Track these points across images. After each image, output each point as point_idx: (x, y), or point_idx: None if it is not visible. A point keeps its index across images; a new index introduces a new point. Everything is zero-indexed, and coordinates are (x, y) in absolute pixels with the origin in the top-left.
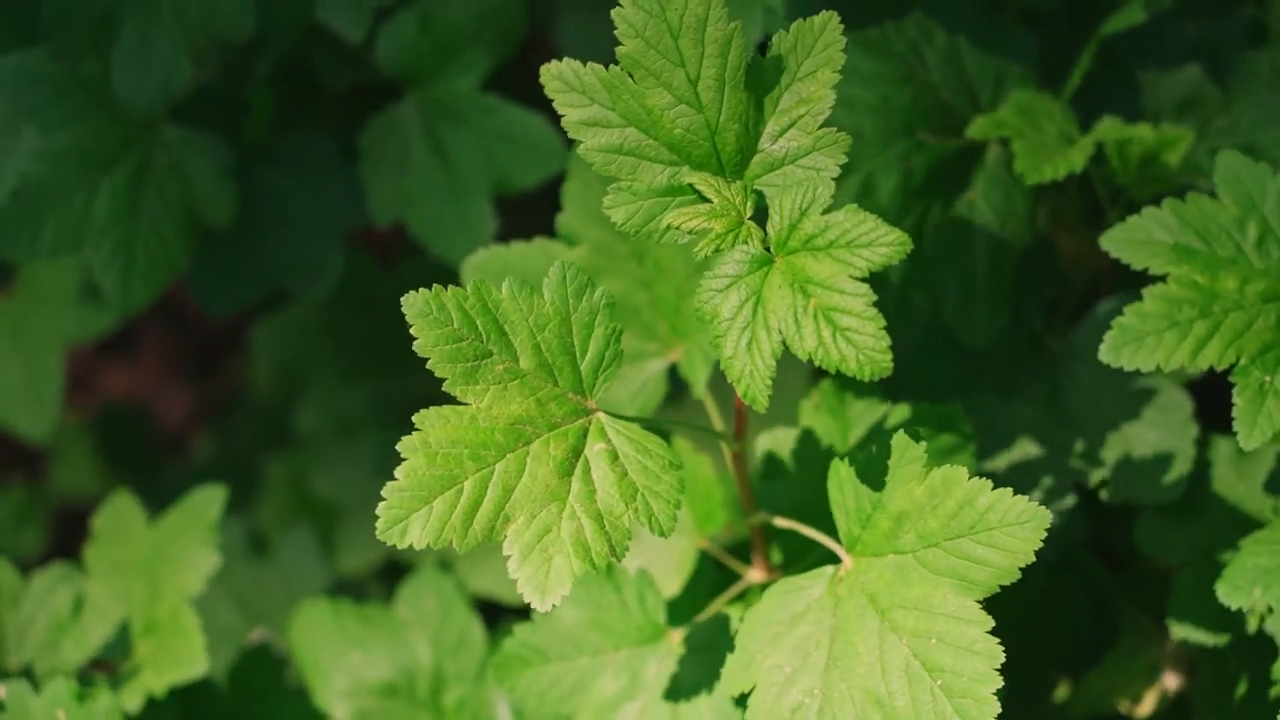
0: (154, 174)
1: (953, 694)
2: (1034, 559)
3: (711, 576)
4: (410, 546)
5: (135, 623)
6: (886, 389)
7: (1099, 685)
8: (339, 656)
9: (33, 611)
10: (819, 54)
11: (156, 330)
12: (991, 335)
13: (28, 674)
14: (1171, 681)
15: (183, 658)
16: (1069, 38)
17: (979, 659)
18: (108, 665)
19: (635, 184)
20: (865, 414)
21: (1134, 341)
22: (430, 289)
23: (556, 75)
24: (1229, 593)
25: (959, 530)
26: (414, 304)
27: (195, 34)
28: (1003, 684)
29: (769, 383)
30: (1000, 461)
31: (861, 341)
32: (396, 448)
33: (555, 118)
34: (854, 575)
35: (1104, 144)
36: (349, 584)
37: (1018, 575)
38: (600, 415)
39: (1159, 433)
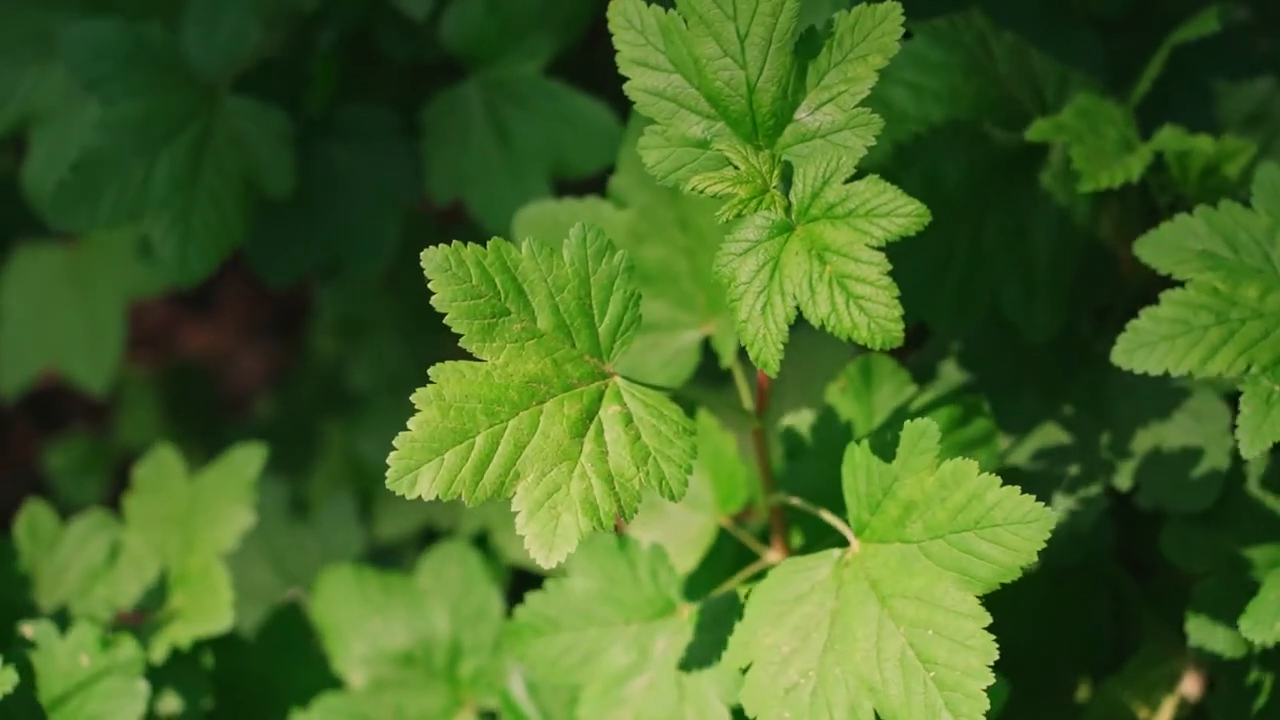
0: (214, 145)
1: (944, 687)
2: (1036, 559)
3: (733, 555)
4: (419, 498)
5: (168, 574)
6: (925, 379)
7: (1117, 692)
8: (359, 623)
9: (69, 557)
10: (875, 39)
11: (237, 290)
12: (1051, 331)
13: (59, 617)
14: (1190, 692)
15: (210, 611)
16: (1139, 44)
17: (974, 654)
18: (138, 615)
19: (670, 130)
20: (890, 399)
21: (1146, 345)
22: (450, 244)
23: (621, 12)
24: (1251, 627)
25: (965, 524)
26: (433, 259)
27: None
28: (994, 681)
29: (780, 347)
30: (1035, 460)
31: (874, 310)
32: (411, 399)
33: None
34: (860, 560)
35: (1164, 153)
36: (386, 550)
37: (1019, 574)
38: (617, 379)
39: (1194, 441)
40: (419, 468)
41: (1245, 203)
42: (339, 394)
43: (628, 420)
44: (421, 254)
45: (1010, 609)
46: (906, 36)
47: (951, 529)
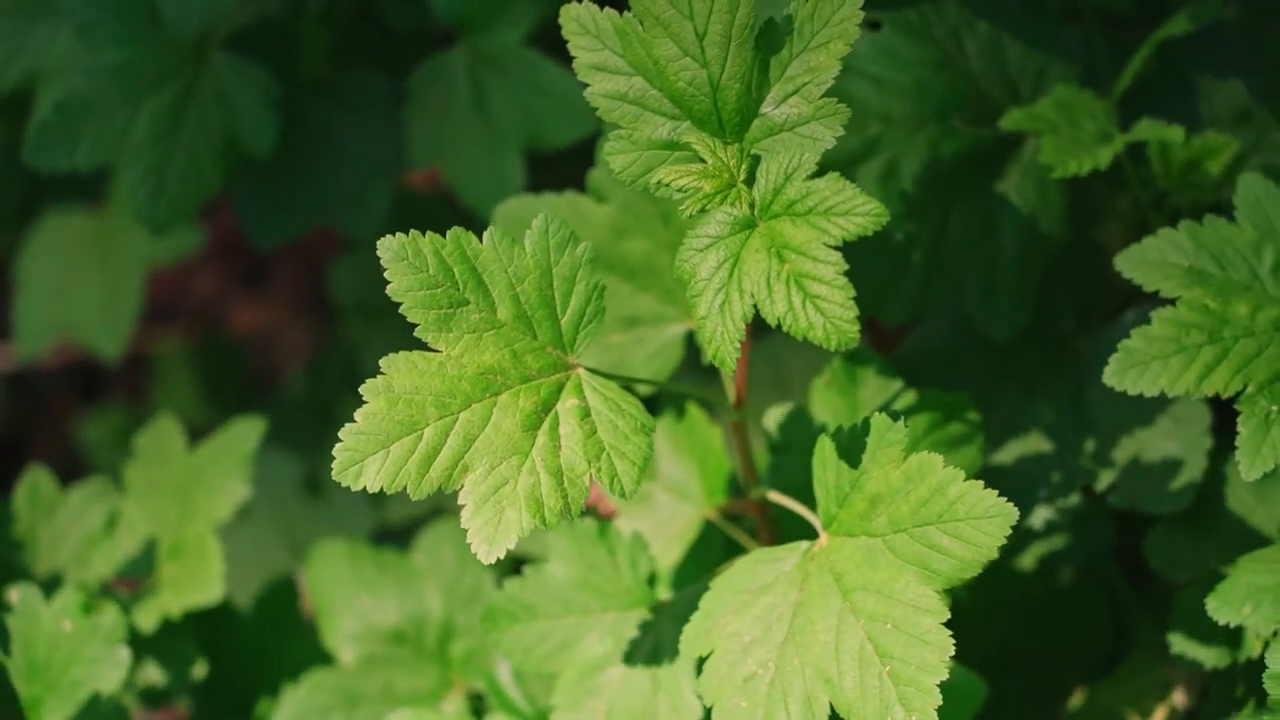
0: (198, 99)
1: (899, 681)
2: (997, 555)
3: (721, 548)
4: (364, 489)
5: (163, 544)
6: (907, 375)
7: (1109, 697)
8: (351, 599)
9: (67, 524)
10: (834, 25)
11: (290, 268)
12: (1013, 330)
13: (47, 583)
14: (1182, 700)
15: (201, 582)
16: (1141, 41)
17: (929, 649)
18: (135, 583)
19: (636, 134)
20: (875, 395)
21: (1139, 365)
22: (408, 234)
23: (574, 17)
24: (1218, 608)
25: (927, 518)
26: (389, 248)
27: None
28: (947, 676)
29: (738, 346)
30: (1013, 458)
31: (830, 310)
32: (360, 390)
33: None
34: (826, 553)
35: (1147, 148)
36: (395, 531)
37: (978, 571)
38: (580, 371)
39: (1173, 443)
40: (364, 459)
41: (1228, 202)
42: (359, 376)
43: (584, 414)
44: (378, 242)
45: (1009, 611)
46: (876, 27)
47: (914, 522)
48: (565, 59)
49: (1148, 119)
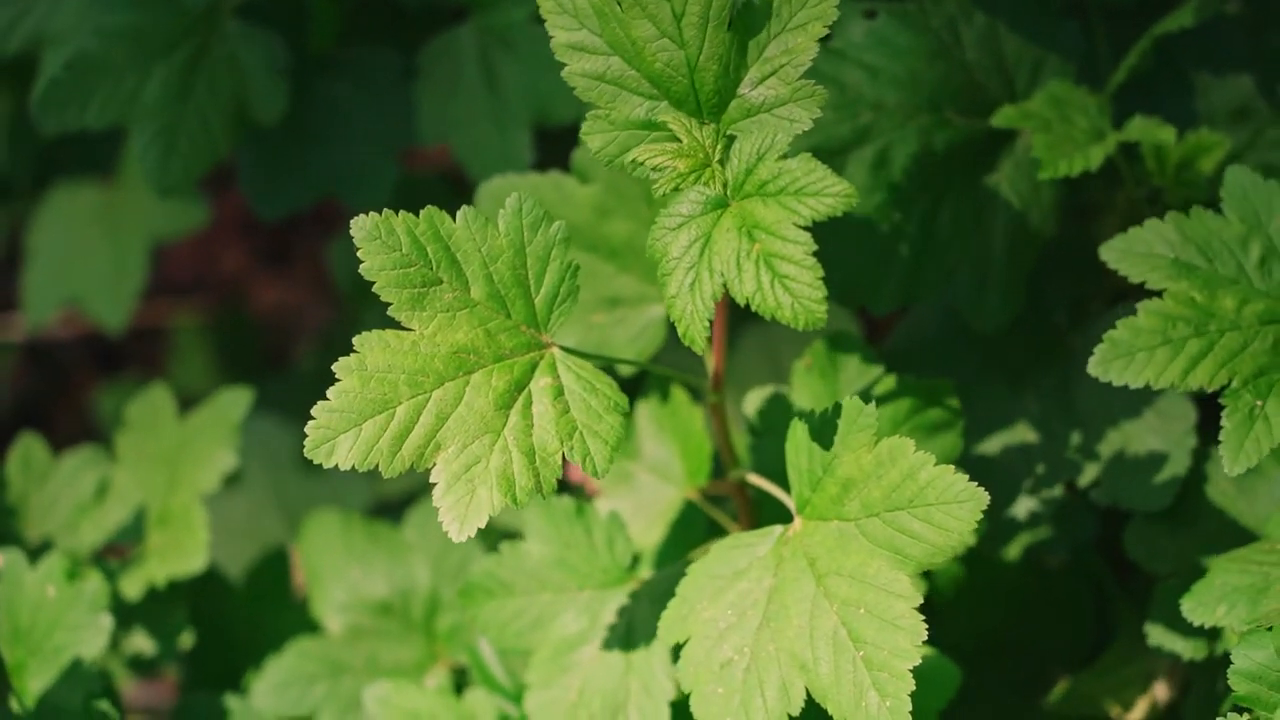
0: (209, 64)
1: (872, 666)
2: (971, 541)
3: (703, 529)
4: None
5: (151, 513)
6: (896, 366)
7: (1090, 688)
8: (340, 569)
9: (58, 491)
10: (812, 7)
11: (313, 247)
12: (1002, 323)
13: (38, 550)
14: (1163, 692)
15: (187, 551)
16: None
17: (902, 634)
18: (125, 550)
19: (613, 114)
20: (856, 380)
21: (1124, 356)
22: (381, 213)
23: None
24: (1193, 609)
25: (899, 502)
26: (362, 227)
27: None
28: (920, 661)
29: (707, 324)
30: (997, 449)
31: (798, 290)
32: (332, 368)
33: None
34: (800, 538)
35: (1140, 145)
36: (394, 504)
37: (950, 556)
38: (555, 350)
39: (1158, 439)
40: (336, 437)
41: (1219, 199)
42: None
43: (557, 393)
44: (351, 221)
45: (992, 602)
46: (872, 16)
47: (886, 507)
48: None
49: (1142, 116)
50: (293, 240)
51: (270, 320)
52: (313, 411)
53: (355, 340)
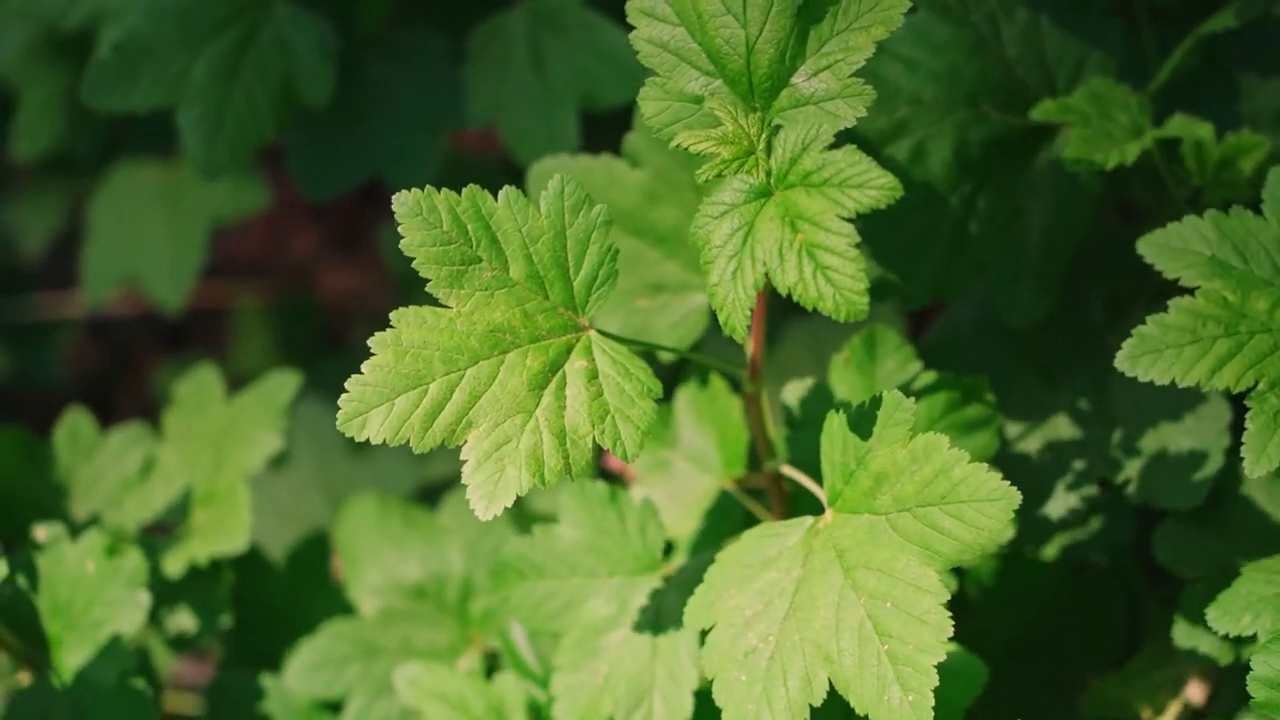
0: (258, 46)
1: (897, 660)
2: (1002, 539)
3: (738, 520)
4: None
5: (196, 492)
6: (931, 361)
7: (1120, 691)
8: (376, 553)
9: (105, 466)
10: (880, 10)
11: (378, 232)
12: (1035, 318)
13: (83, 525)
14: (1196, 695)
15: (228, 531)
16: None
17: (928, 630)
18: (166, 528)
19: (669, 83)
20: (894, 375)
21: (1152, 352)
22: (424, 189)
23: None
24: (1219, 618)
25: (931, 498)
26: (404, 203)
27: None
28: (945, 658)
29: (748, 313)
30: (1033, 446)
31: (840, 281)
32: (368, 342)
33: None
34: (830, 529)
35: (1182, 144)
36: (439, 488)
37: (980, 554)
38: (592, 333)
39: (1192, 439)
40: (369, 411)
41: (1259, 200)
42: None
43: (591, 376)
44: (393, 197)
45: (1025, 601)
46: (912, 10)
47: (918, 502)
48: (622, 21)
49: (1183, 115)
50: (361, 227)
51: (335, 305)
52: (346, 385)
53: (392, 316)
